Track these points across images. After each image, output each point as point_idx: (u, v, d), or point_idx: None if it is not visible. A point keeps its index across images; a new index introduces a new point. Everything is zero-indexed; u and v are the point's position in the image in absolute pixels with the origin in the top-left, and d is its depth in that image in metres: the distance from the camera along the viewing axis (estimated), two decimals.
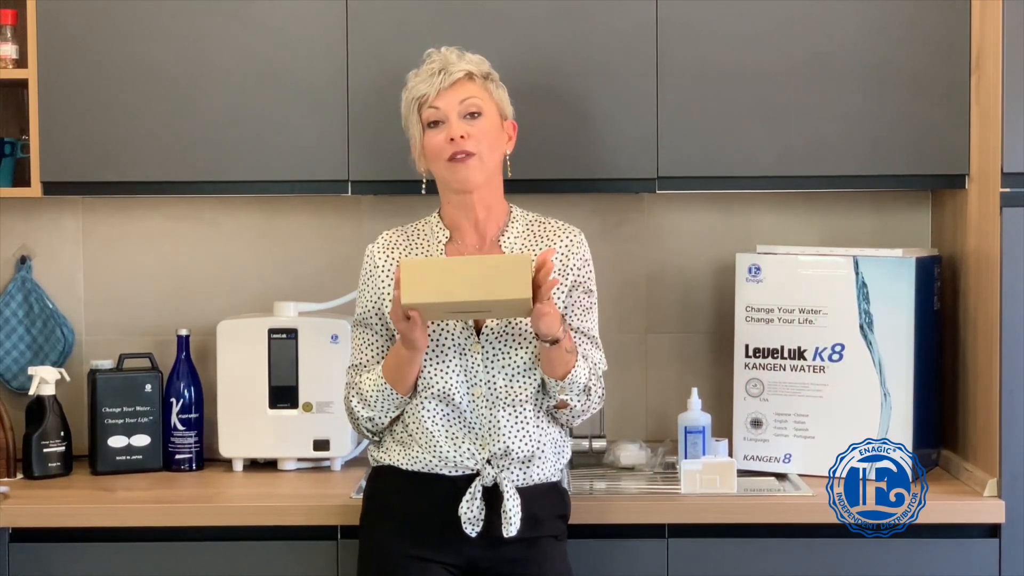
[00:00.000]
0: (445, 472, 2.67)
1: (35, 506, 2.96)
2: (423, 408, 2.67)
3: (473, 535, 2.64)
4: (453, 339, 2.66)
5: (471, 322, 2.67)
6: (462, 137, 2.64)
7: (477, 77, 2.69)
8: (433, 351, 2.66)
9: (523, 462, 2.68)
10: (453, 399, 2.66)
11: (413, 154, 2.76)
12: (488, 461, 2.67)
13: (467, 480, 2.66)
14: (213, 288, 3.43)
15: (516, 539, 2.65)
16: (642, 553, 2.89)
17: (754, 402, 3.16)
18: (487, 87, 2.71)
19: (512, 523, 2.63)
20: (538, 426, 2.70)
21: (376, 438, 2.76)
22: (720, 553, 2.90)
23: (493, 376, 2.67)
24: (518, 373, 2.67)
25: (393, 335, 2.72)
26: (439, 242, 2.73)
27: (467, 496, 2.64)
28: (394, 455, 2.72)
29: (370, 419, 2.71)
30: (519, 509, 2.64)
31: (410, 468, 2.69)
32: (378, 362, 2.73)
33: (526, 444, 2.68)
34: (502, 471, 2.66)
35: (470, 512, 2.63)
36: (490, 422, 2.67)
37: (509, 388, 2.66)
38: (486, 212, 2.73)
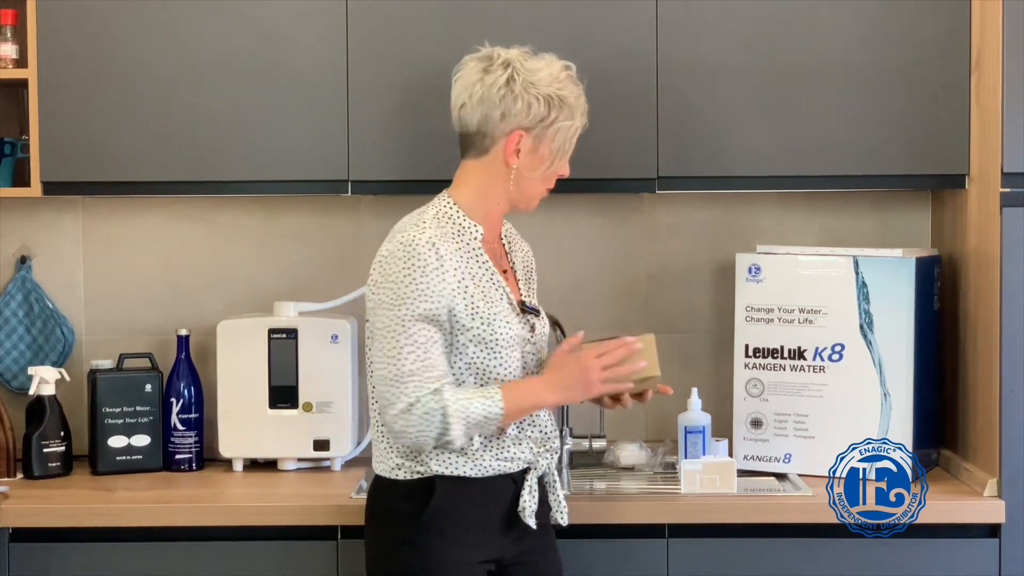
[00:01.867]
0: (510, 471, 2.64)
1: (35, 506, 2.96)
2: None
3: (535, 526, 2.64)
4: (517, 336, 2.63)
5: (528, 319, 2.68)
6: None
7: None
8: (504, 349, 2.60)
9: (556, 451, 2.72)
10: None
11: (519, 153, 2.63)
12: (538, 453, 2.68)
13: (521, 474, 2.66)
14: (213, 288, 3.43)
15: (533, 529, 2.66)
16: (642, 553, 2.89)
17: (754, 402, 3.16)
18: None
19: (564, 511, 2.69)
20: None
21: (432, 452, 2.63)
22: (720, 553, 2.90)
23: (542, 371, 2.68)
24: None
25: (447, 337, 2.59)
26: (475, 239, 2.65)
27: (527, 488, 2.64)
28: (458, 464, 2.60)
29: (454, 440, 2.52)
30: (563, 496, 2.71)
31: (480, 475, 2.61)
32: (447, 372, 2.57)
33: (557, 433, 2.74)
34: (549, 461, 2.70)
35: (532, 504, 2.63)
36: (546, 416, 2.69)
37: None
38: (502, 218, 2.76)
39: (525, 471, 2.65)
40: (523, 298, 2.74)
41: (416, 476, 2.60)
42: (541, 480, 2.69)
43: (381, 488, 2.65)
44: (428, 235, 2.56)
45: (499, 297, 2.63)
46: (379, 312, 2.55)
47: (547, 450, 2.68)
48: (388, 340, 2.53)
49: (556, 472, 2.73)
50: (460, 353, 2.58)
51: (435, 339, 2.55)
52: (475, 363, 2.59)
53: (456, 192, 2.67)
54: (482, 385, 2.59)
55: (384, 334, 2.54)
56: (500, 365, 2.60)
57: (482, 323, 2.57)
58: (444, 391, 2.52)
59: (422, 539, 2.57)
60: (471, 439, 2.57)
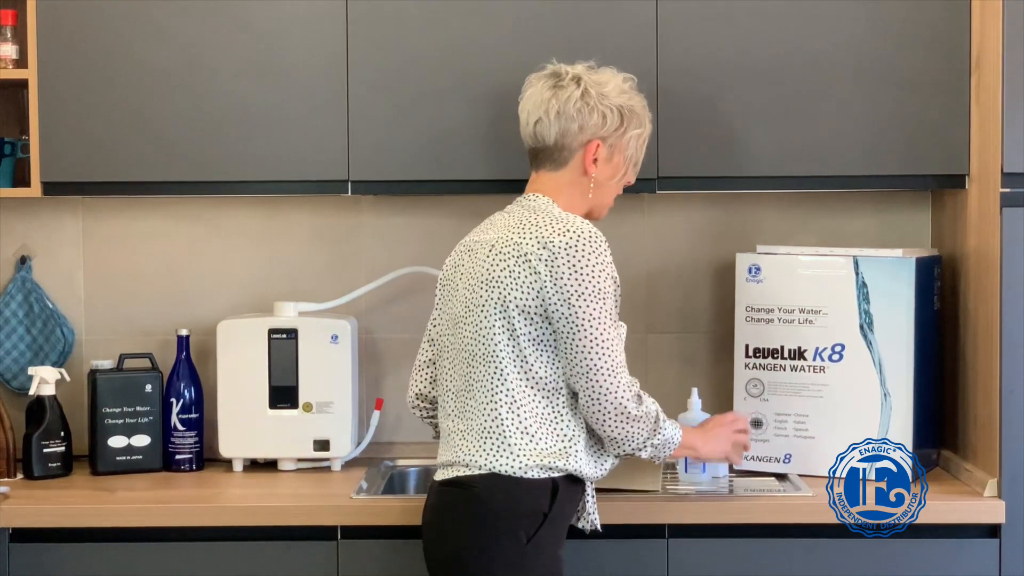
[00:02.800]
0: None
1: (35, 506, 2.96)
2: None
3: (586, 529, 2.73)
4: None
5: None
6: None
7: None
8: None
9: None
10: None
11: (597, 161, 2.73)
12: None
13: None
14: (213, 288, 3.43)
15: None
16: (642, 553, 2.89)
17: (754, 402, 3.16)
18: None
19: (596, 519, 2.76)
20: None
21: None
22: (720, 553, 2.90)
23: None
24: None
25: None
26: None
27: (590, 493, 2.70)
28: (583, 464, 2.64)
29: (658, 445, 2.68)
30: None
31: (598, 480, 2.70)
32: None
33: None
34: None
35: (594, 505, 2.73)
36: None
37: None
38: None
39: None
40: None
41: (546, 476, 2.60)
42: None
43: (510, 486, 2.59)
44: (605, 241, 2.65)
45: None
46: (580, 303, 2.57)
47: None
48: (600, 331, 2.58)
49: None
50: None
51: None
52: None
53: (557, 199, 2.73)
54: None
55: (594, 324, 2.58)
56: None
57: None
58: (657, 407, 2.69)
59: (534, 542, 2.59)
60: (655, 456, 2.70)
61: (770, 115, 3.07)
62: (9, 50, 3.18)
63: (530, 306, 2.60)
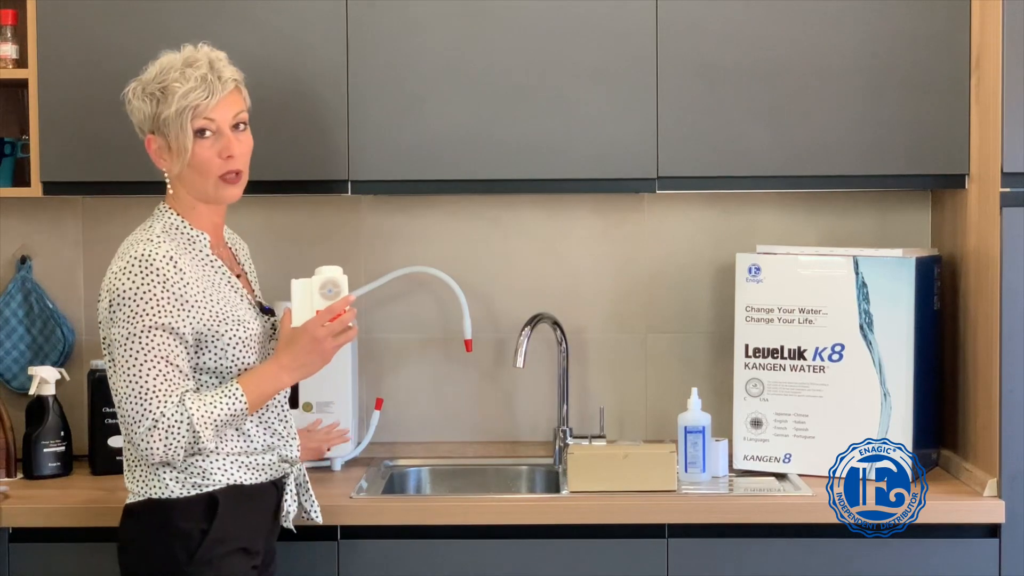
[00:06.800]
0: (284, 472, 2.69)
1: (35, 506, 2.96)
2: (271, 406, 2.67)
3: (295, 529, 2.73)
4: (259, 338, 2.65)
5: (268, 320, 2.69)
6: (233, 156, 2.59)
7: (241, 86, 2.64)
8: (248, 352, 2.60)
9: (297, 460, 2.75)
10: (278, 395, 2.67)
11: (159, 154, 2.61)
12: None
13: (282, 479, 2.70)
14: None
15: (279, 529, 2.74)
16: (642, 553, 2.89)
17: (754, 402, 3.16)
18: (247, 97, 2.66)
19: (318, 509, 2.75)
20: None
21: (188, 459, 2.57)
22: (720, 553, 2.90)
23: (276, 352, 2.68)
24: None
25: (187, 347, 2.55)
26: (205, 247, 2.63)
27: (288, 493, 2.68)
28: (235, 472, 2.59)
29: (206, 446, 2.52)
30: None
31: (255, 481, 2.62)
32: (189, 377, 2.54)
33: None
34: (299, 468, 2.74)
35: (293, 508, 2.70)
36: (289, 415, 2.72)
37: None
38: (223, 217, 2.72)
39: (284, 476, 2.69)
40: (258, 299, 2.75)
41: (196, 492, 2.56)
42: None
43: (152, 509, 2.56)
44: (164, 249, 2.53)
45: (239, 301, 2.63)
46: (114, 329, 2.51)
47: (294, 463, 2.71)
48: (127, 356, 2.49)
49: (306, 474, 2.75)
50: (204, 359, 2.56)
51: (176, 350, 2.51)
52: (219, 368, 2.58)
53: (173, 202, 2.64)
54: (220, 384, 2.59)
55: (122, 351, 2.50)
56: (243, 368, 2.59)
57: (229, 328, 2.57)
58: (186, 401, 2.50)
59: (211, 555, 2.54)
60: (221, 437, 2.57)
61: (770, 115, 3.07)
62: (9, 50, 3.18)
63: (101, 333, 2.58)
